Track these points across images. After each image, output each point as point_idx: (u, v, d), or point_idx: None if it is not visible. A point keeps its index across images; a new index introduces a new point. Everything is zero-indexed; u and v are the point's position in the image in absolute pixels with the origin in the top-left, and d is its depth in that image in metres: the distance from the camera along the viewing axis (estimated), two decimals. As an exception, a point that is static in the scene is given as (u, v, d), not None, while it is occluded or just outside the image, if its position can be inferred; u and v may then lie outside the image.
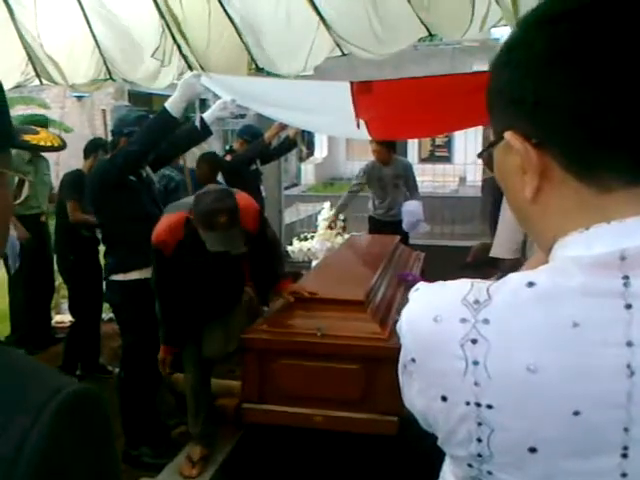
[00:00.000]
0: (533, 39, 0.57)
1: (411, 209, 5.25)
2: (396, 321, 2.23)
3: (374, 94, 2.93)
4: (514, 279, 0.57)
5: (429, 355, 0.59)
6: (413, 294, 0.64)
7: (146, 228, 3.03)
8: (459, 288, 0.59)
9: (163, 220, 2.69)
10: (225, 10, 3.93)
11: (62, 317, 5.08)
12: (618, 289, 0.53)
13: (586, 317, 0.53)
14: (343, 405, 2.48)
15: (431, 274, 3.72)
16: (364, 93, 2.88)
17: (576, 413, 0.52)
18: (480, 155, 0.66)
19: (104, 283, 3.35)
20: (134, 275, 3.00)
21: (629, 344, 0.51)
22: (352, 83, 2.88)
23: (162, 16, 3.96)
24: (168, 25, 4.00)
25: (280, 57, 4.11)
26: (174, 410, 3.35)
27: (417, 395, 0.62)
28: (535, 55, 0.56)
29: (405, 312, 0.63)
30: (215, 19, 3.96)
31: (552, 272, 0.56)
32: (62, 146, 3.62)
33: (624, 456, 0.52)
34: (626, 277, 0.53)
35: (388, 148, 5.23)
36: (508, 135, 0.59)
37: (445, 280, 0.64)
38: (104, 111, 5.81)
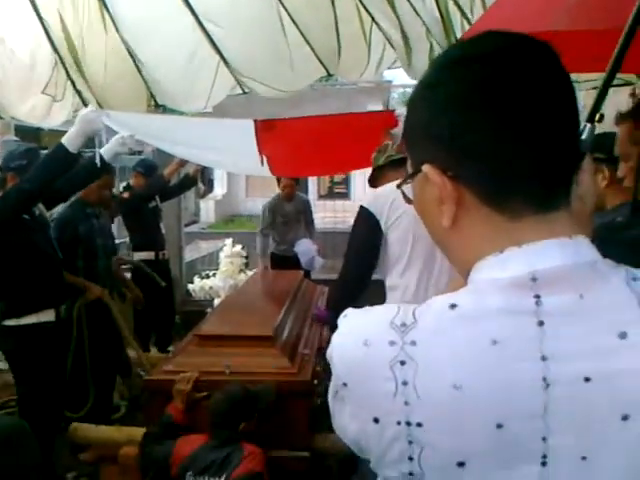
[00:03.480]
0: (447, 79, 0.62)
1: (303, 248, 5.40)
2: (304, 354, 2.24)
3: (277, 131, 3.00)
4: (438, 301, 0.61)
5: (360, 378, 0.61)
6: (342, 320, 0.66)
7: (40, 269, 2.90)
8: (386, 312, 0.62)
9: None
10: (125, 45, 3.89)
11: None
12: (531, 307, 0.57)
13: (503, 335, 0.57)
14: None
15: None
16: (267, 130, 2.94)
17: (499, 426, 0.55)
18: (399, 186, 0.69)
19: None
20: (29, 319, 2.84)
21: (543, 358, 0.56)
22: (256, 121, 2.93)
23: (55, 50, 3.85)
24: (62, 59, 3.89)
25: (181, 94, 4.10)
26: (72, 463, 3.16)
27: (349, 420, 0.64)
28: (449, 94, 0.61)
29: (335, 338, 0.65)
30: (114, 53, 3.90)
31: (472, 294, 0.60)
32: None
33: (543, 464, 0.56)
34: (537, 296, 0.57)
35: (294, 185, 5.38)
36: (426, 168, 0.63)
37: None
38: (-12, 146, 5.50)
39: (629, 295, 0.58)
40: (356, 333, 0.63)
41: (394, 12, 2.64)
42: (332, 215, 11.58)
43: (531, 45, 0.62)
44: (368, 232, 2.29)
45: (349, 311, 0.66)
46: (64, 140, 2.81)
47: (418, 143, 0.66)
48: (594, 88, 3.29)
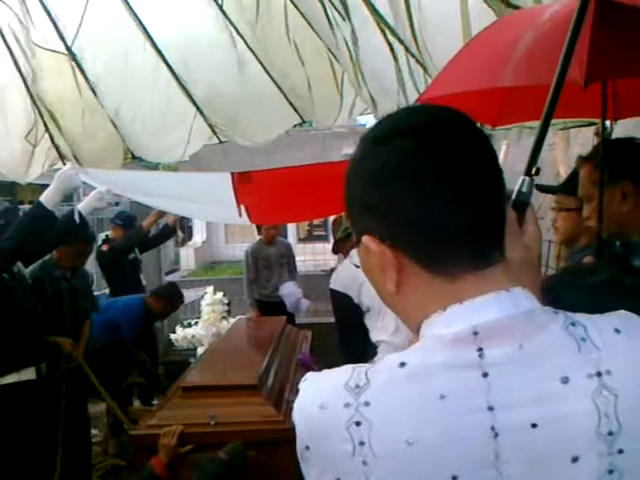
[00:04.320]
0: (372, 154, 0.66)
1: (288, 291, 5.42)
2: (291, 402, 2.26)
3: (254, 183, 3.06)
4: (388, 361, 0.63)
5: (320, 441, 0.63)
6: (302, 384, 0.68)
7: (21, 326, 2.89)
8: (341, 375, 0.64)
9: None
10: (98, 99, 3.93)
11: None
12: (474, 360, 0.60)
13: (450, 389, 0.59)
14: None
15: (319, 351, 3.78)
16: (244, 182, 3.00)
17: (454, 478, 0.57)
18: (346, 253, 0.73)
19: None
20: (10, 379, 2.80)
21: (490, 408, 0.58)
22: (233, 174, 2.99)
23: (34, 102, 3.87)
24: (40, 112, 3.91)
25: (157, 146, 4.14)
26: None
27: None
28: (376, 169, 0.65)
29: (296, 403, 0.67)
30: (88, 107, 3.94)
31: (419, 351, 0.63)
32: None
33: None
34: (480, 349, 0.60)
35: (275, 228, 5.42)
36: (365, 239, 0.66)
37: (333, 356, 0.68)
38: (-38, 202, 5.48)
39: (568, 340, 0.61)
40: (314, 397, 0.65)
41: (358, 74, 2.73)
42: (312, 258, 11.62)
43: (449, 117, 0.66)
44: (346, 309, 2.57)
45: (308, 375, 0.69)
46: (42, 198, 2.83)
47: (355, 215, 0.69)
48: (562, 129, 3.42)
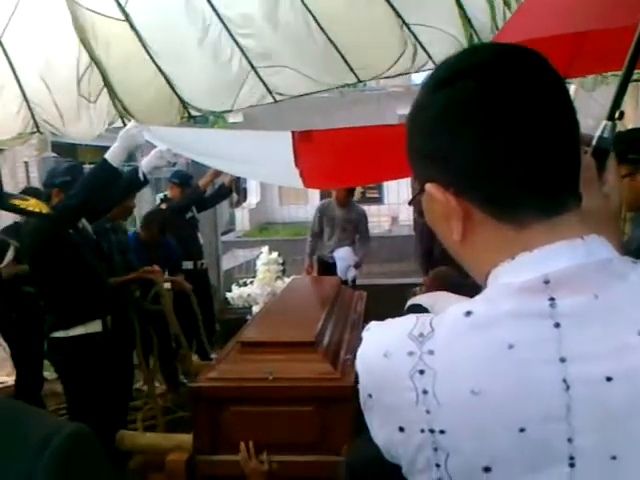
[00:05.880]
0: (434, 100, 0.63)
1: (342, 255, 5.42)
2: (346, 359, 2.28)
3: (314, 143, 3.01)
4: (454, 310, 0.62)
5: (383, 390, 0.63)
6: (365, 333, 0.67)
7: (87, 281, 2.99)
8: (405, 323, 0.63)
9: None
10: (147, 51, 3.93)
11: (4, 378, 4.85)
12: (546, 310, 0.58)
13: (519, 338, 0.57)
14: (299, 449, 2.47)
15: (374, 312, 3.79)
16: (305, 142, 2.96)
17: (522, 430, 0.56)
18: (410, 203, 0.71)
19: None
20: (77, 331, 2.93)
21: (562, 360, 0.56)
22: (293, 132, 2.96)
23: (91, 57, 3.90)
24: (97, 64, 3.95)
25: (204, 93, 4.14)
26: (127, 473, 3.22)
27: (378, 429, 0.65)
28: (438, 114, 0.62)
29: (359, 351, 0.67)
30: (140, 61, 3.95)
31: (486, 300, 0.61)
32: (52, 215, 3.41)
33: (572, 465, 0.56)
34: (552, 299, 0.58)
35: (348, 190, 5.35)
36: (428, 187, 0.64)
37: (388, 317, 0.68)
38: (26, 163, 5.64)
39: None
40: (377, 345, 0.64)
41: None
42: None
43: (515, 54, 0.62)
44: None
45: (372, 324, 0.68)
46: (107, 156, 2.89)
47: (417, 163, 0.67)
48: (633, 81, 3.25)
